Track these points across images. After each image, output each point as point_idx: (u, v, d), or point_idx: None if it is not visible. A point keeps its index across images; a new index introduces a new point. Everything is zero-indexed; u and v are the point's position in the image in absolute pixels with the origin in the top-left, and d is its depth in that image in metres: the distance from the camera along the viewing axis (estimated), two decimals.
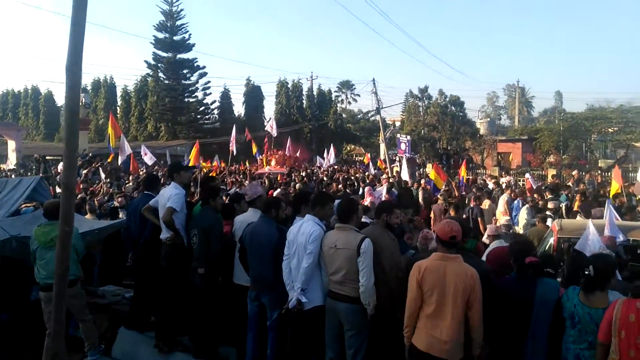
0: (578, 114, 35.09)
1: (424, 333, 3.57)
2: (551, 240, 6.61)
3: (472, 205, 10.27)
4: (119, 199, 10.91)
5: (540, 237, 7.31)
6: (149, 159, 20.33)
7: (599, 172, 25.86)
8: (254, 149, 23.45)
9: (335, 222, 4.47)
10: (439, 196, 11.24)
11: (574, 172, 18.29)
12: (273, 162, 23.87)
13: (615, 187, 11.50)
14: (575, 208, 9.81)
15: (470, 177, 19.79)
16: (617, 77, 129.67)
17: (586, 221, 7.86)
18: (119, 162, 18.93)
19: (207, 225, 5.15)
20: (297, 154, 27.39)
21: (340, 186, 14.29)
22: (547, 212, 9.06)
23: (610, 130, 30.74)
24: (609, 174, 22.70)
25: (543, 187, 13.41)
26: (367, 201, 9.37)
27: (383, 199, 10.09)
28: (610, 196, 11.38)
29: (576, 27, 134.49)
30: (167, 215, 5.25)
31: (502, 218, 10.10)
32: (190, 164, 19.49)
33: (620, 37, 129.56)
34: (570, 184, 15.64)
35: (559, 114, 47.34)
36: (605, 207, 7.50)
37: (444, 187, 13.43)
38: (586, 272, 3.47)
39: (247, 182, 14.51)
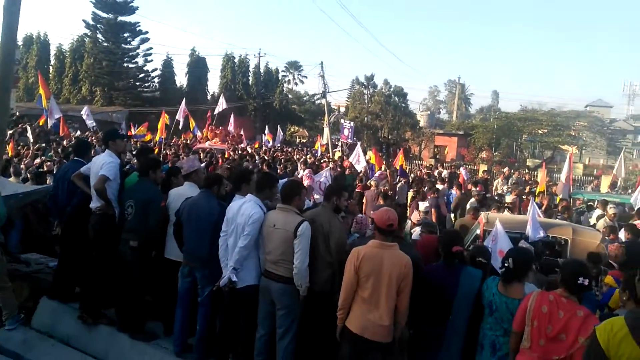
0: (512, 114, 36.79)
1: (358, 316, 3.70)
2: (477, 232, 6.97)
3: (430, 197, 10.67)
4: (48, 163, 10.38)
5: (468, 227, 7.67)
6: (90, 122, 19.52)
7: (527, 170, 27.39)
8: (192, 123, 22.82)
9: (277, 202, 4.47)
10: (372, 182, 11.41)
11: (505, 169, 19.26)
12: (214, 139, 23.39)
13: (541, 186, 12.22)
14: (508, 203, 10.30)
15: (408, 167, 20.31)
16: (550, 83, 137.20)
17: (511, 216, 8.37)
18: (49, 125, 17.85)
19: (146, 197, 5.01)
20: (241, 132, 26.98)
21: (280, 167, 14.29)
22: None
23: (540, 131, 32.37)
24: (536, 173, 24.11)
25: (474, 181, 14.03)
26: (305, 184, 9.40)
27: (324, 182, 10.16)
28: (536, 194, 12.12)
29: (519, 33, 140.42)
30: (100, 184, 5.08)
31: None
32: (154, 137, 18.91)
33: (555, 47, 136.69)
34: (500, 179, 16.47)
35: (494, 113, 49.34)
36: (529, 204, 8.01)
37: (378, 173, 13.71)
38: (505, 264, 3.68)
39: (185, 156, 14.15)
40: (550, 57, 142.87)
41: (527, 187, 14.65)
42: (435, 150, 39.02)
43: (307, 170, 12.25)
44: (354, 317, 3.73)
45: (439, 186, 12.43)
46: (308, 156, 21.35)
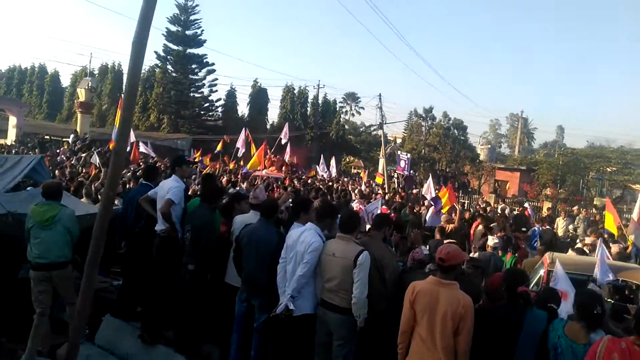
0: (578, 150, 35.29)
1: (416, 353, 3.62)
2: (541, 272, 6.66)
3: (500, 236, 10.21)
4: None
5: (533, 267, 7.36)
6: (148, 151, 20.32)
7: (595, 209, 25.99)
8: (253, 150, 23.46)
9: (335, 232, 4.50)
10: (442, 218, 11.29)
11: (574, 208, 18.34)
12: (271, 167, 23.82)
13: (609, 220, 11.53)
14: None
15: (467, 201, 19.74)
16: (619, 118, 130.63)
17: (578, 257, 7.95)
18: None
19: (200, 223, 5.17)
20: (294, 160, 27.34)
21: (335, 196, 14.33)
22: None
23: (608, 169, 30.89)
24: (604, 212, 22.81)
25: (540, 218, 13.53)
26: None
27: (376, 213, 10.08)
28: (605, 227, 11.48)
29: (585, 65, 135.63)
30: (166, 207, 5.27)
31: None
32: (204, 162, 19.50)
33: (625, 81, 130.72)
34: (561, 218, 15.70)
35: (559, 148, 47.62)
36: (598, 246, 7.59)
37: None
38: (595, 311, 3.48)
39: (244, 184, 14.49)
40: (619, 92, 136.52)
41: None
42: (496, 185, 37.89)
43: (358, 200, 12.25)
44: (412, 354, 3.64)
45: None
46: (363, 186, 21.30)
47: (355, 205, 11.28)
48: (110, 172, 3.54)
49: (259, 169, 21.61)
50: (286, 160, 25.65)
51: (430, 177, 16.97)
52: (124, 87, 41.10)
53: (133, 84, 3.51)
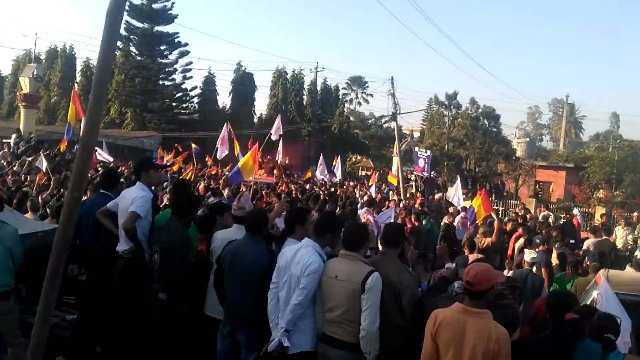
0: (637, 142, 35.27)
1: None
2: (595, 294, 6.63)
3: (541, 250, 10.01)
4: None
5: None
6: (103, 156, 20.31)
7: None
8: (237, 149, 23.34)
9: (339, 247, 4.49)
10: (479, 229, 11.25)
11: (634, 215, 18.21)
12: (259, 170, 23.80)
13: None
14: None
15: (502, 208, 19.71)
16: None
17: (637, 275, 7.93)
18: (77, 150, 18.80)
19: (171, 242, 5.16)
20: (287, 160, 27.24)
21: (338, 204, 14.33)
22: None
23: None
24: None
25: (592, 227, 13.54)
26: None
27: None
28: None
29: None
30: (129, 222, 5.27)
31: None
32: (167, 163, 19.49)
33: None
34: (621, 227, 15.61)
35: (614, 141, 47.62)
36: None
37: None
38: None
39: (226, 191, 14.49)
40: None
41: None
42: (537, 187, 37.85)
43: (366, 209, 12.21)
44: None
45: None
46: (373, 191, 21.30)
47: (362, 214, 11.27)
48: (75, 170, 3.53)
49: (256, 175, 21.57)
50: (278, 162, 25.63)
51: (459, 180, 16.95)
52: (77, 75, 40.78)
53: (106, 64, 3.55)
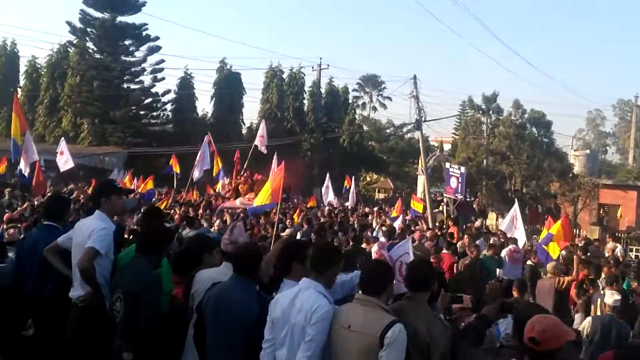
0: None
1: None
2: None
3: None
4: (10, 231, 10.90)
5: None
6: (63, 162, 20.24)
7: None
8: (218, 166, 23.21)
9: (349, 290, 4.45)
10: (549, 268, 11.16)
11: None
12: (248, 194, 23.68)
13: None
14: None
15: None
16: None
17: None
18: (21, 172, 18.75)
19: (136, 286, 5.09)
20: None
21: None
22: None
23: None
24: None
25: None
26: None
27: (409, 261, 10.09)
28: None
29: None
30: (86, 261, 5.22)
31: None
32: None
33: None
34: None
35: None
36: None
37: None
38: None
39: (217, 222, 14.47)
40: None
41: None
42: (601, 211, 37.70)
43: (379, 242, 12.16)
44: None
45: None
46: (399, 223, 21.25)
47: (375, 250, 11.23)
48: None
49: (244, 200, 21.46)
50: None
51: (517, 206, 16.67)
52: (20, 78, 40.80)
53: None
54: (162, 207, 17.78)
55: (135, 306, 5.06)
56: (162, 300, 5.34)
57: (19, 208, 15.31)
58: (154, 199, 21.38)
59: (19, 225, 11.69)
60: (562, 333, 3.57)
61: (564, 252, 13.30)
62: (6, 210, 14.89)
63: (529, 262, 13.11)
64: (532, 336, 3.52)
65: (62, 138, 24.46)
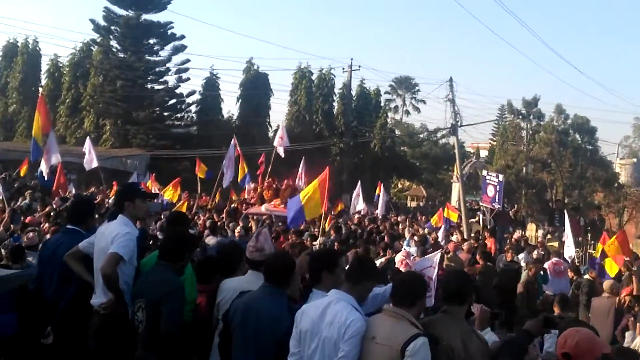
0: None
1: None
2: None
3: None
4: (30, 235, 11.01)
5: None
6: (89, 161, 20.40)
7: None
8: (242, 172, 23.13)
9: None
10: (606, 285, 11.03)
11: None
12: (274, 200, 23.62)
13: None
14: None
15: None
16: None
17: None
18: (41, 174, 18.92)
19: (158, 294, 5.07)
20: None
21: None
22: None
23: None
24: None
25: None
26: None
27: (432, 275, 10.03)
28: None
29: None
30: (110, 267, 5.22)
31: None
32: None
33: None
34: None
35: None
36: None
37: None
38: None
39: (237, 228, 14.47)
40: None
41: None
42: None
43: (404, 251, 12.06)
44: None
45: None
46: (426, 230, 21.12)
47: (398, 258, 11.14)
48: None
49: (270, 206, 21.40)
50: (301, 188, 25.48)
51: (568, 220, 16.46)
52: (42, 77, 40.98)
53: None
54: (183, 209, 17.89)
55: (157, 315, 5.04)
56: (186, 309, 5.33)
57: (39, 211, 15.43)
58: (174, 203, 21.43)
59: (36, 229, 11.83)
60: (596, 346, 3.55)
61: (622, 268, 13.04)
62: (25, 213, 15.05)
63: (586, 277, 12.89)
64: (565, 351, 3.51)
65: (88, 137, 24.73)
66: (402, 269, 9.83)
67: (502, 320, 10.29)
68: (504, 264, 13.92)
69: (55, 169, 18.34)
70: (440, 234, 19.10)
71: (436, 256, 10.64)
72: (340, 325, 4.20)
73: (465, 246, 15.30)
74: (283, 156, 26.05)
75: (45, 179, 18.56)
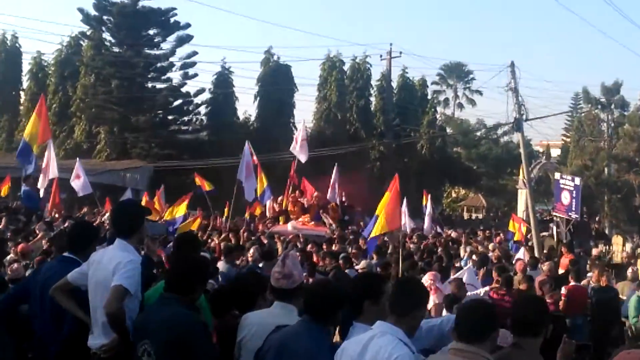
0: None
1: None
2: None
3: None
4: (13, 266, 11.15)
5: None
6: (81, 187, 20.60)
7: None
8: (261, 185, 23.05)
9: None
10: None
11: None
12: (304, 216, 23.57)
13: None
14: None
15: None
16: None
17: None
18: (26, 194, 19.11)
19: (171, 336, 4.92)
20: (343, 198, 26.90)
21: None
22: None
23: None
24: None
25: None
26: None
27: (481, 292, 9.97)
28: None
29: None
30: (116, 302, 5.18)
31: None
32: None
33: None
34: None
35: None
36: None
37: None
38: None
39: (251, 250, 14.45)
40: None
41: None
42: None
43: (431, 273, 12.00)
44: None
45: None
46: (490, 246, 21.03)
47: (425, 281, 11.09)
48: None
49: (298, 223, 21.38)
50: (334, 201, 25.47)
51: None
52: (24, 78, 41.28)
53: None
54: (193, 228, 17.97)
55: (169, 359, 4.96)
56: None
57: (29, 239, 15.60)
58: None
59: (19, 260, 11.99)
60: None
61: None
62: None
63: None
64: None
65: (78, 159, 24.97)
66: (432, 295, 9.78)
67: (591, 355, 10.29)
68: (595, 291, 13.52)
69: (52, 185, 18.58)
70: (520, 254, 18.84)
71: (472, 273, 10.68)
72: None
73: (545, 266, 15.07)
74: (303, 162, 26.00)
75: (41, 195, 18.74)
